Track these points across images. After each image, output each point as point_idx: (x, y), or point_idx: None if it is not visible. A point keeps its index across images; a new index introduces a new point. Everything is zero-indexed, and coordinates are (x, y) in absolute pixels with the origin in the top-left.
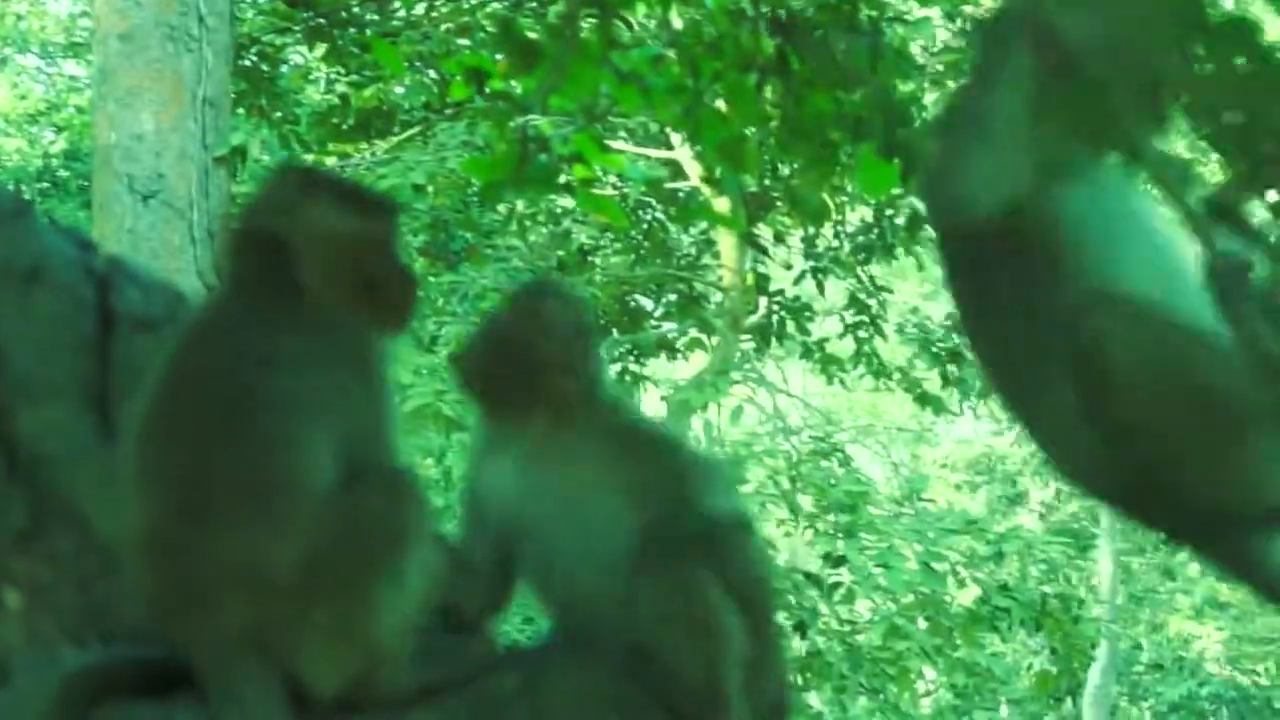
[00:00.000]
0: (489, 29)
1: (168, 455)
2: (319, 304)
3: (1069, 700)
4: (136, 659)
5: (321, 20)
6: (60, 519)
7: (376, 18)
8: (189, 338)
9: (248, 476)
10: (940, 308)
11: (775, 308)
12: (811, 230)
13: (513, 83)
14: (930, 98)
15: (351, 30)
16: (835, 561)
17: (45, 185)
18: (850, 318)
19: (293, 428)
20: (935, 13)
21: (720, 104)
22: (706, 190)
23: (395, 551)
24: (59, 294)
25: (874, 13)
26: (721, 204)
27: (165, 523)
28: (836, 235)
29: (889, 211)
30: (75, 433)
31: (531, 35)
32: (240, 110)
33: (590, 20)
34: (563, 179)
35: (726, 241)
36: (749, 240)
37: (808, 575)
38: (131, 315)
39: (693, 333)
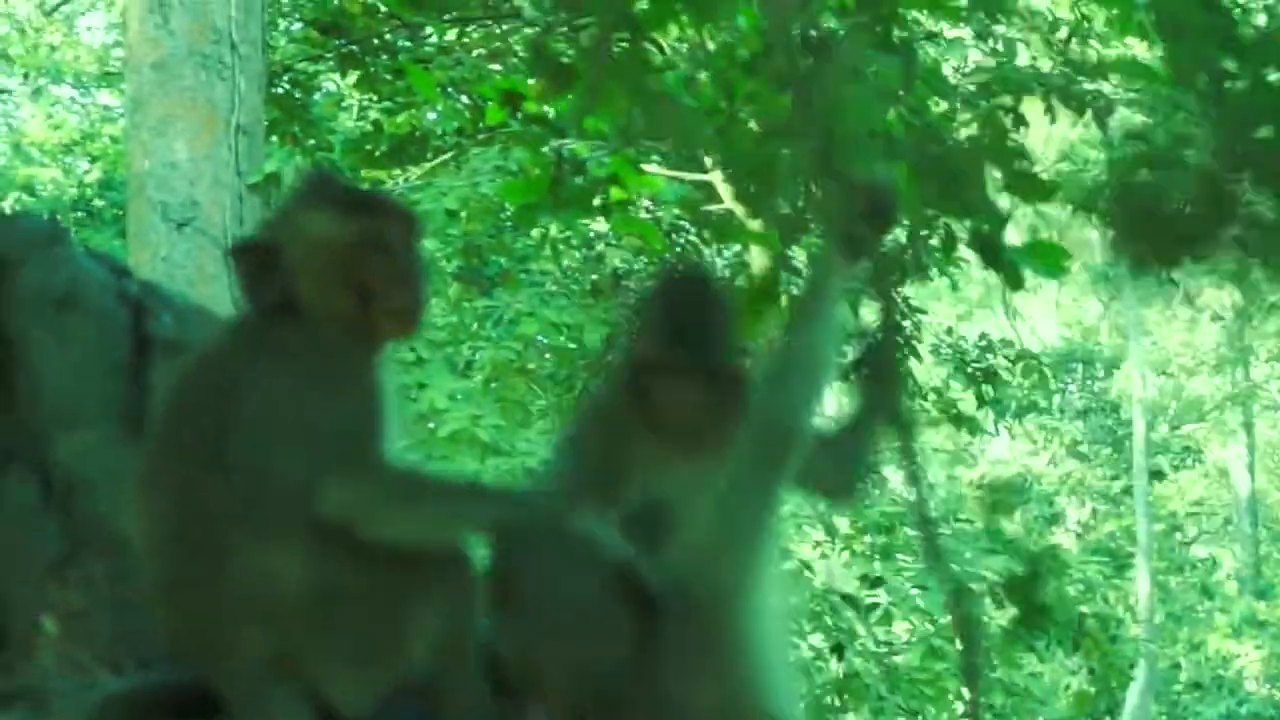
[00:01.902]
0: (521, 54)
1: (158, 491)
2: (312, 316)
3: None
4: (172, 684)
5: (354, 47)
6: (96, 545)
7: (409, 44)
8: (190, 365)
9: (232, 509)
10: (974, 327)
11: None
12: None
13: (546, 107)
14: (962, 117)
15: (384, 57)
16: (872, 583)
17: (80, 214)
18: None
19: (271, 455)
20: (967, 33)
21: (753, 124)
22: (740, 212)
23: (417, 569)
24: (94, 319)
25: (906, 33)
26: (755, 226)
27: (164, 559)
28: (910, 242)
29: (923, 232)
30: (111, 457)
31: (564, 59)
32: (274, 138)
33: (622, 44)
34: (596, 201)
35: (759, 263)
36: (782, 262)
37: (845, 596)
38: (166, 340)
39: None
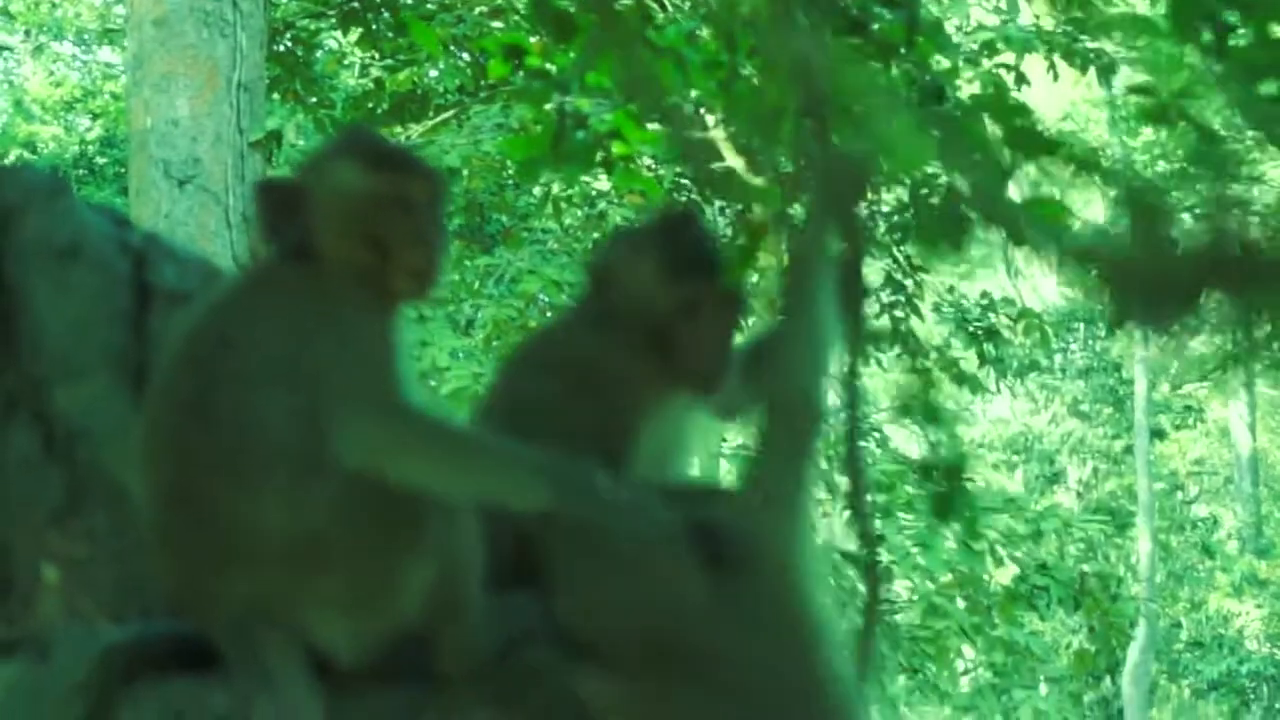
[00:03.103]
0: (522, 10)
1: (158, 437)
2: (332, 265)
3: (1108, 678)
4: (173, 634)
5: (355, 4)
6: (97, 495)
7: (410, 1)
8: (200, 310)
9: (230, 455)
10: (976, 286)
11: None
12: None
13: (549, 63)
14: (965, 75)
15: (385, 14)
16: (876, 541)
17: (82, 172)
18: (886, 297)
19: (274, 403)
20: None
21: (755, 79)
22: (741, 168)
23: (409, 520)
24: (95, 270)
25: None
26: (757, 183)
27: (161, 505)
28: (871, 215)
29: (924, 191)
30: (112, 407)
31: (567, 11)
32: (275, 95)
33: None
34: (598, 157)
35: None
36: (783, 220)
37: (846, 555)
38: (167, 290)
39: None
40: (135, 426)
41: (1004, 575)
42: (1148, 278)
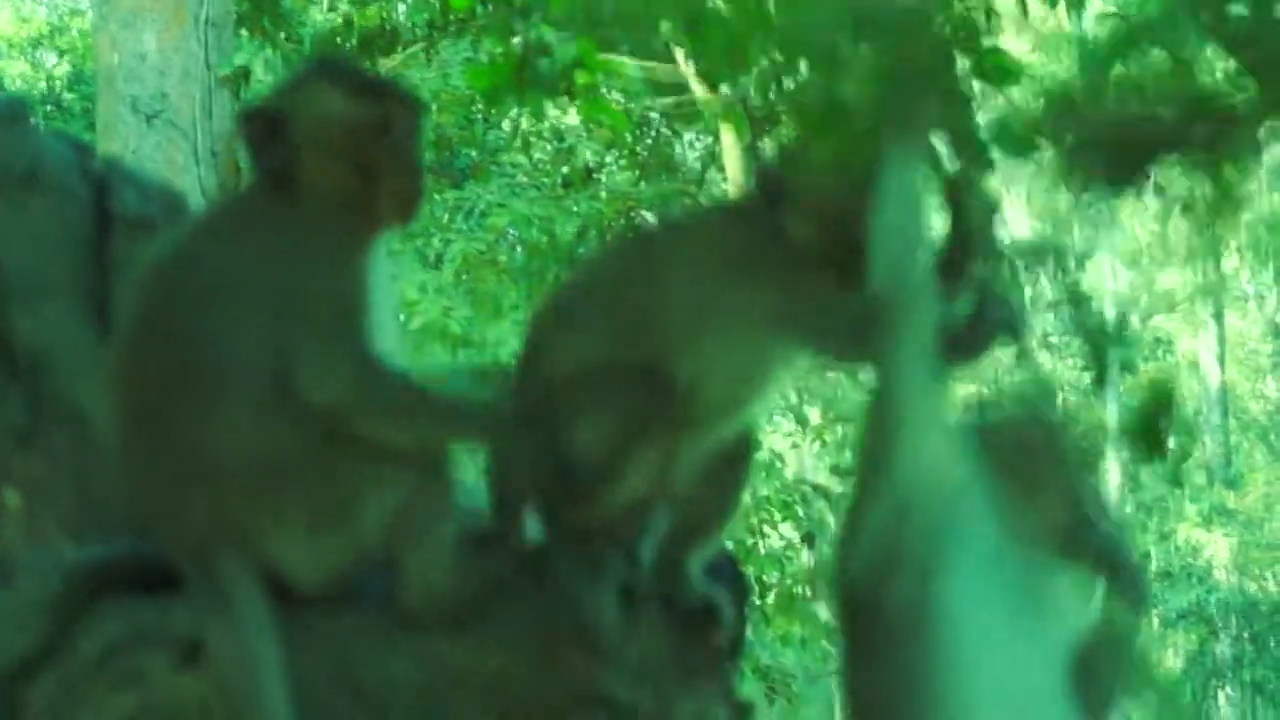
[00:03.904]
0: None
1: (131, 358)
2: (312, 193)
3: None
4: (136, 555)
5: None
6: (59, 418)
7: None
8: (176, 236)
9: (196, 376)
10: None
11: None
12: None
13: None
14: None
15: None
16: (843, 473)
17: (50, 108)
18: None
19: (241, 327)
20: None
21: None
22: (708, 99)
23: (370, 447)
24: (56, 196)
25: None
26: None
27: (128, 423)
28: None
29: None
30: (74, 332)
31: None
32: (243, 31)
33: None
34: (563, 86)
35: (731, 156)
36: (753, 153)
37: (815, 487)
38: (128, 216)
39: None
40: (105, 347)
41: None
42: (1111, 136)
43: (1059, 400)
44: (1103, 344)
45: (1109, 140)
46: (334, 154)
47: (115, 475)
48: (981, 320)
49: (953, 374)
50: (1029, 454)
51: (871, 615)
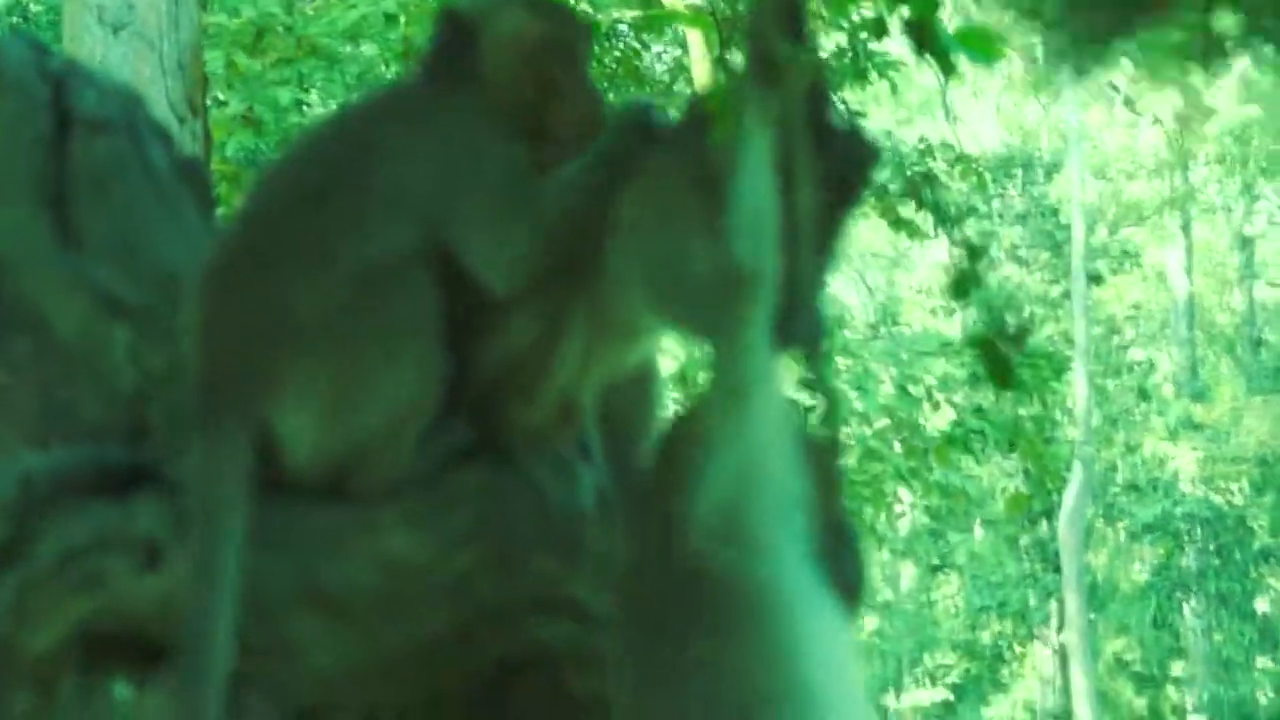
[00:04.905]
0: None
1: (254, 221)
2: (494, 102)
3: (1044, 521)
4: (96, 459)
5: None
6: (18, 323)
7: None
8: (340, 113)
9: (300, 238)
10: (914, 132)
11: None
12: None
13: None
14: None
15: None
16: (809, 385)
17: (16, 19)
18: None
19: (366, 206)
20: None
21: None
22: (676, 8)
23: (400, 338)
24: (13, 95)
25: None
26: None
27: (225, 264)
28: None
29: (862, 35)
30: (33, 235)
31: None
32: None
33: None
34: None
35: (699, 68)
36: (721, 65)
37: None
38: (88, 116)
39: None
40: (65, 251)
41: (940, 419)
42: None
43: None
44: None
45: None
46: (519, 68)
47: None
48: (785, 326)
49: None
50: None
51: (700, 587)
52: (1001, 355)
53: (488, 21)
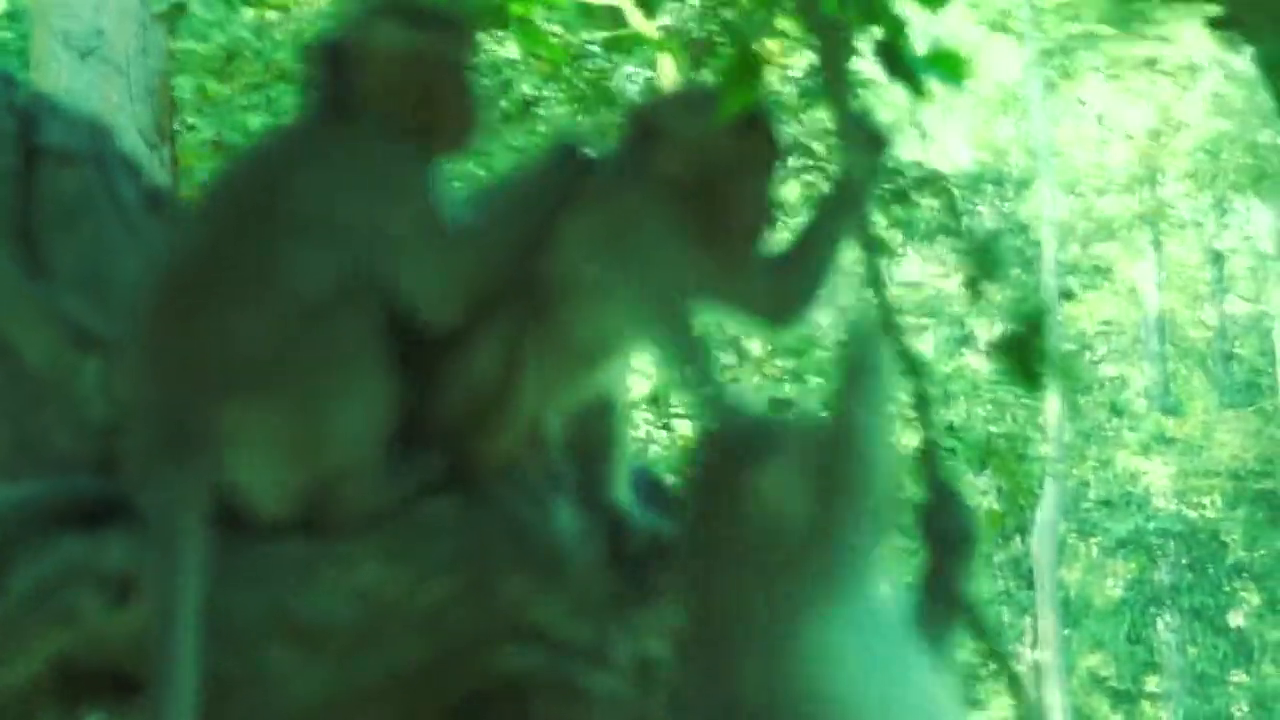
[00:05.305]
0: None
1: (184, 265)
2: (375, 121)
3: (1017, 538)
4: (68, 491)
5: None
6: None
7: None
8: (242, 156)
9: (227, 285)
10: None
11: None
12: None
13: None
14: None
15: None
16: (784, 406)
17: None
18: (796, 162)
19: (289, 244)
20: None
21: None
22: (644, 27)
23: (353, 370)
24: None
25: None
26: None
27: (157, 328)
28: (782, 80)
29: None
30: (1, 267)
31: None
32: None
33: None
34: (503, 23)
35: (670, 87)
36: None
37: None
38: (55, 148)
39: None
40: (32, 283)
41: (912, 438)
42: None
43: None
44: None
45: None
46: (395, 84)
47: (126, 371)
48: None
49: None
50: None
51: (765, 534)
52: (1029, 353)
53: (357, 41)
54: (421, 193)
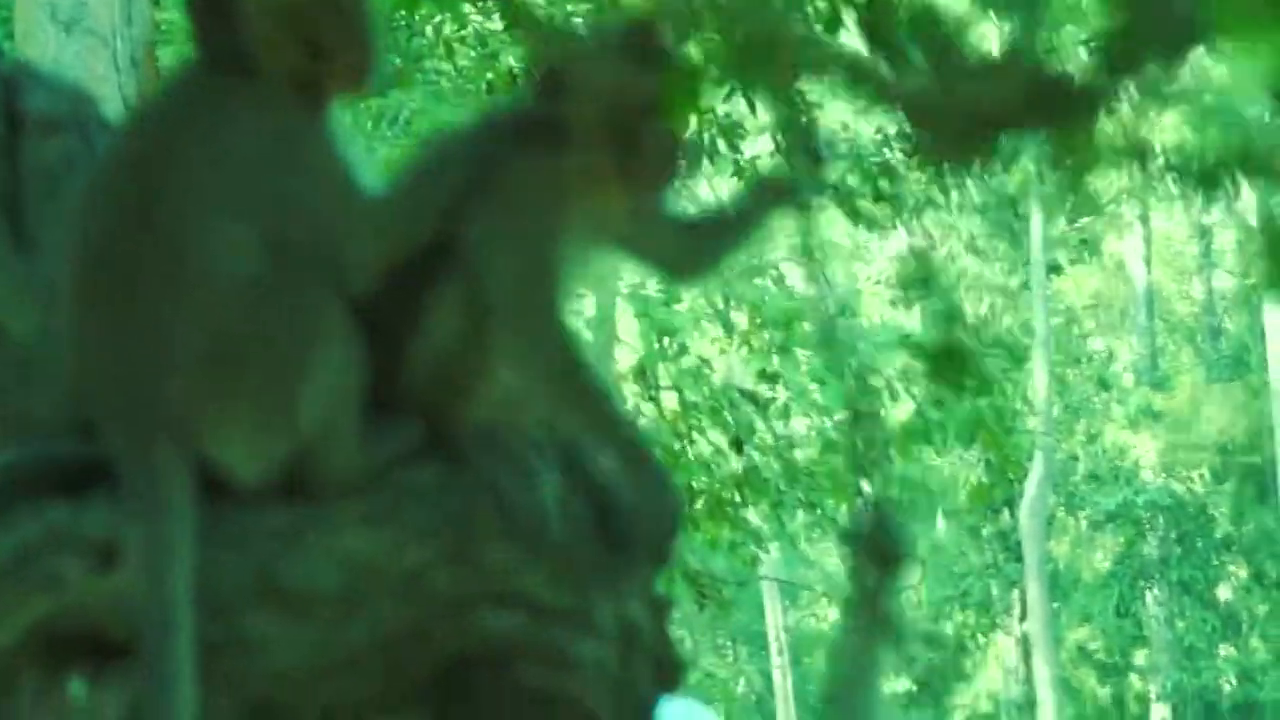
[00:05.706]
0: None
1: (95, 250)
2: (266, 74)
3: (1005, 511)
4: (49, 457)
5: None
6: None
7: None
8: (129, 124)
9: (159, 266)
10: (871, 124)
11: (706, 126)
12: None
13: None
14: None
15: None
16: (770, 378)
17: None
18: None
19: (206, 218)
20: None
21: None
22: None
23: (314, 338)
24: None
25: None
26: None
27: (93, 312)
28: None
29: (818, 29)
30: None
31: None
32: None
33: None
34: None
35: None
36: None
37: (743, 392)
38: (39, 117)
39: None
40: (18, 254)
41: (901, 411)
42: (950, 113)
43: None
44: None
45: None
46: (280, 28)
47: (71, 359)
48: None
49: None
50: None
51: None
52: (955, 355)
53: None
54: (327, 155)
